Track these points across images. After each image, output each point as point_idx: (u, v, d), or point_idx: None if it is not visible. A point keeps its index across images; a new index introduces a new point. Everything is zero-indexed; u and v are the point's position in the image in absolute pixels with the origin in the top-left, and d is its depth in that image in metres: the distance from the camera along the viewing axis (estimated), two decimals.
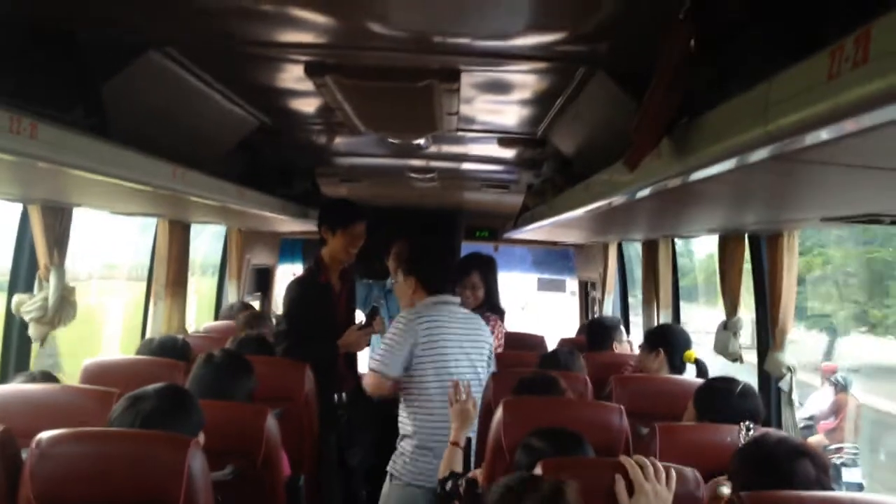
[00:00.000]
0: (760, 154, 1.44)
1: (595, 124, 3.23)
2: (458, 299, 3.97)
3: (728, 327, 3.84)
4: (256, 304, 6.98)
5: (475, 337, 3.88)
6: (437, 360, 3.75)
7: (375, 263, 5.06)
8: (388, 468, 3.86)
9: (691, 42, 1.61)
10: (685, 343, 4.05)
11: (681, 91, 1.68)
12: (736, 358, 3.84)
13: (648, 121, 1.71)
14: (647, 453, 2.77)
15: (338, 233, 4.29)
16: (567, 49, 2.59)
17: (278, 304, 7.57)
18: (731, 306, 3.84)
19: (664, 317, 4.93)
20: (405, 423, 3.84)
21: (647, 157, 1.84)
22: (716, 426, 2.85)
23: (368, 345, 4.44)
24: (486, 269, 5.11)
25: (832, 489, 2.32)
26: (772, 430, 2.77)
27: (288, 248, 7.51)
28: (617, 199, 2.45)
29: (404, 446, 3.82)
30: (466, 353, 3.82)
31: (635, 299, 6.29)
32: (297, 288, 4.34)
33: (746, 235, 3.68)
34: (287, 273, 7.63)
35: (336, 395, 4.11)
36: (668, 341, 4.02)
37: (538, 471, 2.25)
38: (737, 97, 1.48)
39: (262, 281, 7.23)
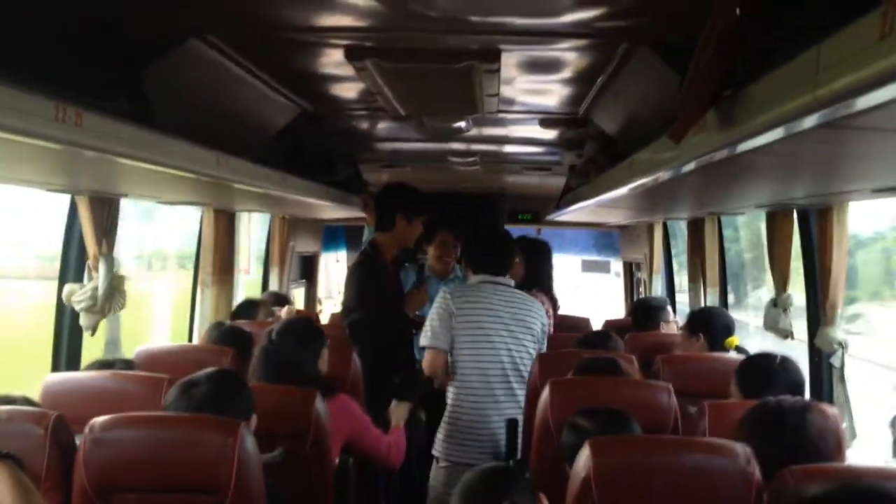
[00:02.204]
0: (811, 121, 1.40)
1: (638, 101, 3.19)
2: (507, 280, 3.96)
3: (778, 304, 3.77)
4: (299, 292, 7.05)
5: (522, 315, 3.85)
6: (474, 336, 3.77)
7: (415, 248, 5.03)
8: (433, 450, 3.88)
9: (737, 11, 1.57)
10: (727, 328, 3.95)
11: (727, 61, 1.64)
12: (787, 335, 3.77)
13: (694, 92, 1.68)
14: (695, 432, 2.75)
15: (414, 221, 4.31)
16: (609, 24, 2.56)
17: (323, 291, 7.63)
18: (781, 282, 3.78)
19: (711, 297, 4.87)
20: (449, 401, 3.86)
21: (692, 131, 1.80)
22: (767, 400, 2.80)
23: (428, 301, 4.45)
24: (530, 250, 5.08)
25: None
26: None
27: (331, 235, 7.55)
28: (662, 175, 2.42)
29: (446, 425, 3.84)
30: (511, 331, 3.81)
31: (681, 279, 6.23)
32: (364, 274, 4.29)
33: (795, 210, 3.62)
34: (331, 260, 7.69)
35: (391, 380, 4.11)
36: (708, 326, 3.95)
37: (586, 450, 2.24)
38: (786, 64, 1.44)
39: (307, 268, 7.28)
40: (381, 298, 4.20)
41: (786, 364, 2.92)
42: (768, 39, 1.61)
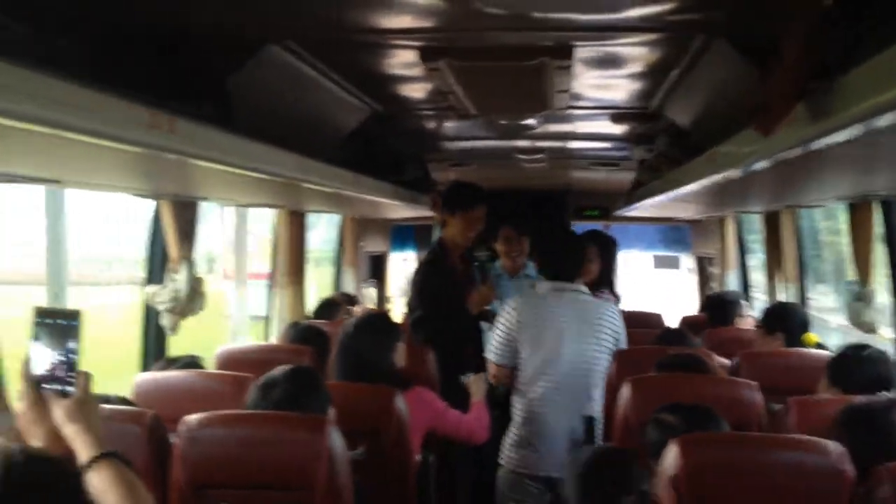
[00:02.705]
0: None
1: (714, 94, 3.15)
2: (577, 286, 3.88)
3: (861, 297, 3.69)
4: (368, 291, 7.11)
5: (592, 325, 3.72)
6: (539, 348, 3.69)
7: (483, 247, 5.00)
8: (500, 458, 3.85)
9: (827, 1, 1.55)
10: (804, 324, 3.88)
11: (817, 53, 1.62)
12: (870, 329, 3.69)
13: (783, 84, 1.66)
14: (781, 429, 2.71)
15: (457, 215, 4.30)
16: (683, 18, 2.53)
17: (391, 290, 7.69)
18: (864, 275, 3.69)
19: (790, 293, 4.78)
20: (513, 409, 3.83)
21: (781, 123, 1.78)
22: (854, 398, 2.75)
23: (495, 298, 4.42)
24: (605, 247, 5.02)
25: None
26: None
27: (399, 234, 7.62)
28: (744, 169, 2.39)
29: (510, 433, 3.82)
30: (578, 343, 3.67)
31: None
32: (426, 273, 4.35)
33: (877, 202, 3.53)
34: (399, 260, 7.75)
35: (462, 378, 4.12)
36: (785, 323, 3.87)
37: (674, 447, 2.21)
38: (878, 54, 1.42)
39: (376, 267, 7.35)
40: (444, 297, 4.22)
41: (877, 356, 2.87)
42: (860, 29, 1.58)
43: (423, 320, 4.20)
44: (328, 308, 4.93)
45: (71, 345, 1.71)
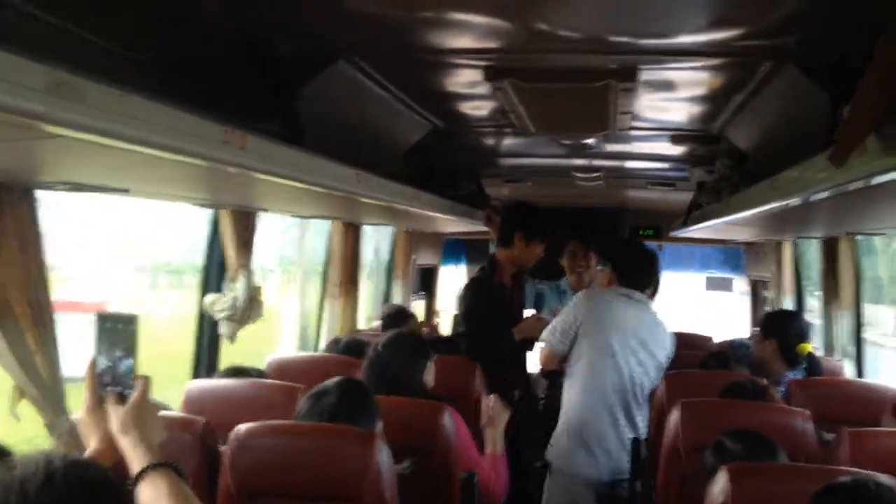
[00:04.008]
0: None
1: (778, 119, 3.11)
2: (643, 296, 3.88)
3: None
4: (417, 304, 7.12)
5: (650, 340, 3.77)
6: (597, 345, 3.72)
7: (543, 264, 4.97)
8: (546, 455, 3.86)
9: None
10: (800, 334, 3.80)
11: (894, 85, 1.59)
12: None
13: (860, 116, 1.63)
14: (833, 460, 2.66)
15: (532, 244, 4.30)
16: (752, 43, 2.51)
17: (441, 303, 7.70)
18: None
19: (845, 319, 4.69)
20: (563, 407, 3.84)
21: (853, 154, 1.75)
22: None
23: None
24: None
25: None
26: None
27: (451, 248, 7.62)
28: (811, 196, 2.36)
29: (558, 432, 3.82)
30: (636, 353, 3.73)
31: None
32: (474, 289, 4.39)
33: None
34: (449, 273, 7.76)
35: (509, 394, 4.11)
36: (780, 330, 3.82)
37: (723, 476, 2.19)
38: None
39: (426, 281, 7.36)
40: (489, 315, 4.22)
41: None
42: None
43: (464, 336, 4.23)
44: (398, 318, 4.89)
45: (127, 348, 1.74)
